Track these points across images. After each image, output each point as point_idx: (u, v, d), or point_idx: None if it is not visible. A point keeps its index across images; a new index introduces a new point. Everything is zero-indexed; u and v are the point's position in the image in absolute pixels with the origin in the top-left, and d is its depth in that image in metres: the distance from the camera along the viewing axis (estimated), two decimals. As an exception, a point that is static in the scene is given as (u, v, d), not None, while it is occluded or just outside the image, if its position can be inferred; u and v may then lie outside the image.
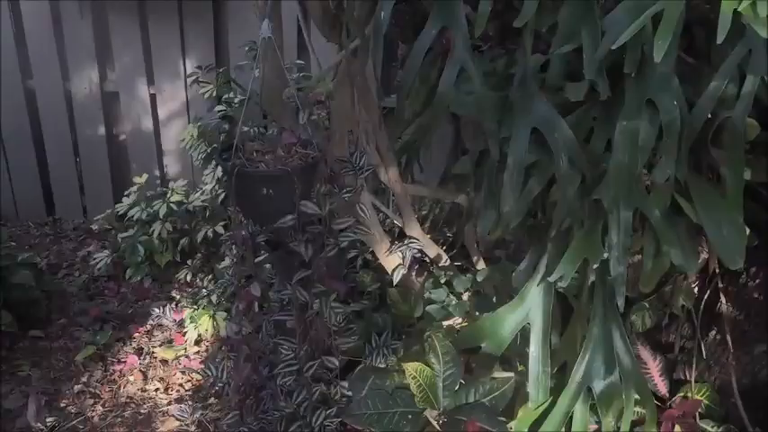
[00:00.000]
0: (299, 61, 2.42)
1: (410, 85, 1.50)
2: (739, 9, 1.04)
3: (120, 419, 2.03)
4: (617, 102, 1.23)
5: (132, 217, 2.64)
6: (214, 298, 2.30)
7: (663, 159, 1.17)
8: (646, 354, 1.57)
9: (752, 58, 1.15)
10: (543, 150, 1.23)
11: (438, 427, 1.42)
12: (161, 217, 2.60)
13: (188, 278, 2.53)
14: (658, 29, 1.10)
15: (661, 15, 1.13)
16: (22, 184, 3.19)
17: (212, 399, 2.09)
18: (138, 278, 2.65)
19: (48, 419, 1.99)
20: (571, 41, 1.25)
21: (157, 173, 3.15)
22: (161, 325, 2.44)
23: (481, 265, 1.90)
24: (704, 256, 1.47)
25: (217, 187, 2.60)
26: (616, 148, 1.17)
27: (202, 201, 2.64)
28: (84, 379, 2.19)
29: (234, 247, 1.65)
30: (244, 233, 1.59)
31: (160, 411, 2.07)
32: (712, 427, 1.50)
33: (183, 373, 2.22)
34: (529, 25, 1.31)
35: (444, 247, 2.13)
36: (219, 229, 2.54)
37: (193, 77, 2.49)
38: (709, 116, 1.21)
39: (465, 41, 1.26)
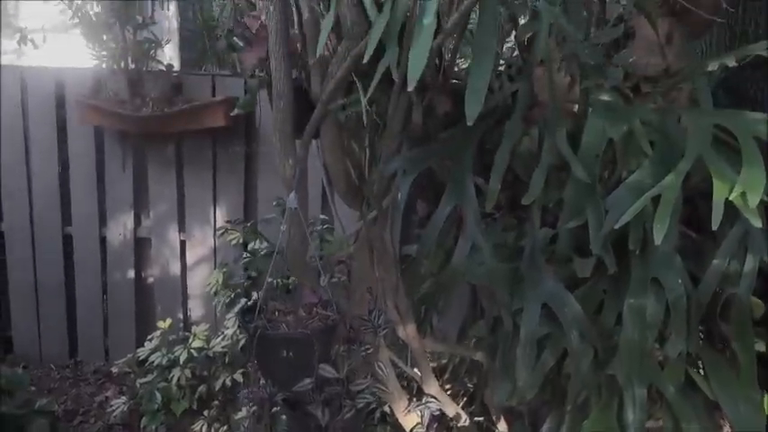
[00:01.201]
0: (322, 216, 2.56)
1: (428, 251, 1.59)
2: (731, 198, 1.12)
3: None
4: (624, 275, 1.29)
5: (153, 362, 2.66)
6: (228, 453, 2.26)
7: (673, 335, 1.20)
8: None
9: (750, 239, 1.21)
10: (555, 323, 1.27)
11: None
12: (181, 363, 2.62)
13: (203, 430, 2.49)
14: (657, 212, 1.18)
15: (659, 197, 1.21)
16: (49, 326, 3.27)
17: None
18: (153, 427, 2.61)
19: None
20: (577, 218, 1.34)
21: (181, 316, 3.21)
22: (172, 481, 2.37)
23: (502, 424, 1.86)
24: (727, 429, 1.43)
25: (238, 332, 2.65)
26: (625, 325, 1.20)
27: (223, 347, 2.66)
28: None
29: (251, 404, 1.67)
30: (262, 393, 1.61)
31: None
32: None
33: None
34: (536, 201, 1.41)
35: (465, 399, 2.11)
36: (238, 377, 2.54)
37: (222, 230, 2.63)
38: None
39: (476, 218, 1.36)
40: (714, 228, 1.10)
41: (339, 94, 1.52)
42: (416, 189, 1.98)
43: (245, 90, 2.61)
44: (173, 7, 5.58)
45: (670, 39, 1.67)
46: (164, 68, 3.02)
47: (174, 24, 5.98)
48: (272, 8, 1.57)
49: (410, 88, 1.12)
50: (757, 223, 1.07)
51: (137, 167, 3.17)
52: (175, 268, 3.20)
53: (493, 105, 1.58)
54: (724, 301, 1.24)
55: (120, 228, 3.19)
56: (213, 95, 2.99)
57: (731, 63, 1.34)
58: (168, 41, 3.22)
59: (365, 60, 1.20)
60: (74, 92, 3.04)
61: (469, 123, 1.18)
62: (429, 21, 1.15)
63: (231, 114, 2.69)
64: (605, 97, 1.50)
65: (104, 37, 2.91)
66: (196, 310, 3.21)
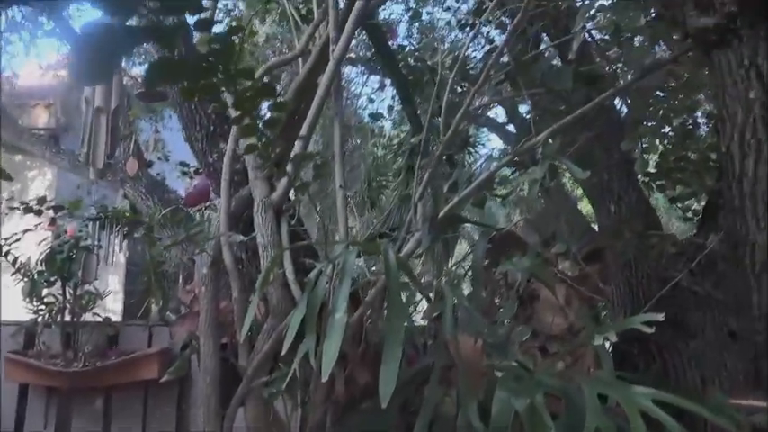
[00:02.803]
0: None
1: None
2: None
3: None
4: None
5: None
6: None
7: None
8: None
9: None
10: None
11: None
12: None
13: None
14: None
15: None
16: None
17: None
18: None
19: None
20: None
21: None
22: None
23: None
24: None
25: None
26: None
27: None
28: None
29: None
30: None
31: None
32: None
33: None
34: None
35: None
36: None
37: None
38: None
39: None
40: None
41: (264, 371, 1.59)
42: None
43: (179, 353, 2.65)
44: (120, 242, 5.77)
45: (569, 301, 1.87)
46: (101, 320, 3.06)
47: (122, 259, 6.15)
48: (203, 288, 1.70)
49: (324, 380, 1.21)
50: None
51: (59, 424, 3.02)
52: None
53: (413, 373, 1.67)
54: None
55: (30, 496, 2.93)
56: (149, 345, 3.01)
57: (612, 338, 1.51)
58: (110, 293, 3.30)
59: (284, 352, 1.29)
60: (3, 347, 3.00)
61: (383, 405, 1.25)
62: (339, 316, 1.27)
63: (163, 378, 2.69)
64: (513, 363, 1.62)
65: (44, 292, 2.98)
66: None
